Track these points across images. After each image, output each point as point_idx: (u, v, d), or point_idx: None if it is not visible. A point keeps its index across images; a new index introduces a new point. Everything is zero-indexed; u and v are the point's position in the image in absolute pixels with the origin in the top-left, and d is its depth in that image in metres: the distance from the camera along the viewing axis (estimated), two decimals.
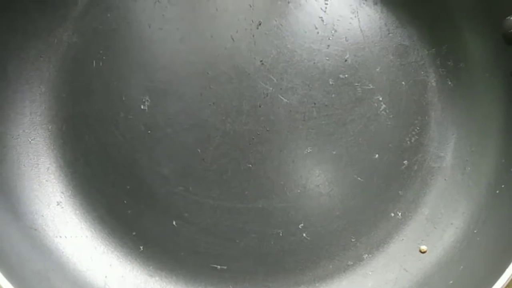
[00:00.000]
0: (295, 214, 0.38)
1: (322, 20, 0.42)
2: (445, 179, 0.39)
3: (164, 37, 0.41)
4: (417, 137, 0.41)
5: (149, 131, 0.39)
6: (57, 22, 0.41)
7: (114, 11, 0.42)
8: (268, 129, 0.40)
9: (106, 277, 0.37)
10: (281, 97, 0.40)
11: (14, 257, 0.32)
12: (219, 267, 0.38)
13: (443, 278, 0.36)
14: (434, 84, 0.42)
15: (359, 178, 0.39)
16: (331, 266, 0.38)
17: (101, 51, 0.41)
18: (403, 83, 0.42)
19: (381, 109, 0.41)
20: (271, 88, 0.40)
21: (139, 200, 0.38)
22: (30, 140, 0.38)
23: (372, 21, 0.43)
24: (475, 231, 0.36)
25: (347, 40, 0.42)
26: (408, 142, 0.40)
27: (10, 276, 0.29)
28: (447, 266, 0.36)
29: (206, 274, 0.38)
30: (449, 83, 0.41)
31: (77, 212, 0.37)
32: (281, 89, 0.40)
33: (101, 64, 0.40)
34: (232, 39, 0.40)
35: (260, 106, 0.40)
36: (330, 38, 0.42)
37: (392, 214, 0.39)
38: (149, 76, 0.40)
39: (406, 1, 0.43)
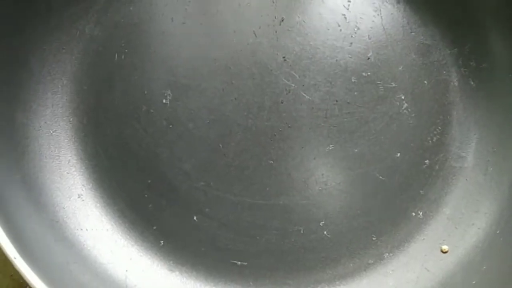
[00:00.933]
0: (316, 211, 0.38)
1: (345, 18, 0.42)
2: (466, 179, 0.39)
3: (187, 32, 0.41)
4: (438, 137, 0.40)
5: (171, 126, 0.39)
6: (80, 14, 0.40)
7: (136, 4, 0.41)
8: (289, 125, 0.39)
9: (126, 270, 0.36)
10: (303, 94, 0.40)
11: (38, 250, 0.32)
12: (239, 263, 0.38)
13: (465, 278, 0.36)
14: (456, 83, 0.42)
15: (380, 177, 0.39)
16: (351, 265, 0.38)
17: (123, 44, 0.41)
18: (425, 82, 0.41)
19: (403, 108, 0.41)
20: (293, 85, 0.40)
21: (160, 194, 0.38)
22: (51, 132, 0.38)
23: (394, 20, 0.42)
24: (497, 232, 0.36)
25: (369, 38, 0.42)
26: (430, 141, 0.40)
27: (35, 268, 0.29)
28: (469, 266, 0.36)
29: (226, 269, 0.37)
30: (471, 83, 0.41)
31: (98, 205, 0.37)
32: (303, 85, 0.40)
33: (123, 57, 0.40)
34: (255, 34, 0.40)
35: (282, 103, 0.40)
36: (353, 36, 0.42)
37: (413, 214, 0.39)
38: (171, 71, 0.40)
39: (429, 0, 0.42)
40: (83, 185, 0.37)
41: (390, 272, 0.38)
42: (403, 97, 0.41)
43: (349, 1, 0.43)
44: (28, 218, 0.34)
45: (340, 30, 0.42)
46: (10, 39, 0.37)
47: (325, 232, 0.38)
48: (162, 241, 0.37)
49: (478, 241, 0.37)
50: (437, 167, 0.40)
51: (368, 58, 0.41)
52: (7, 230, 0.30)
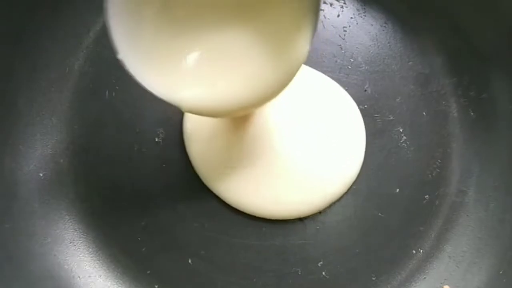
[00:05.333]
0: (314, 251, 0.37)
1: (341, 48, 0.41)
2: (467, 215, 0.38)
3: None
4: (438, 171, 0.39)
5: (164, 165, 0.38)
6: (69, 51, 0.40)
7: None
8: None
9: None
10: None
11: None
12: None
13: None
14: (455, 114, 0.41)
15: (379, 214, 0.38)
16: None
17: (113, 81, 0.40)
18: (424, 113, 0.41)
19: (401, 141, 0.40)
20: None
21: (154, 237, 0.37)
22: (41, 175, 0.37)
23: (392, 49, 0.42)
24: (500, 272, 0.35)
25: (366, 69, 0.41)
26: (430, 175, 0.39)
27: None
28: None
29: None
30: (471, 114, 0.40)
31: (90, 250, 0.36)
32: None
33: (113, 94, 0.39)
34: None
35: None
36: (349, 67, 0.41)
37: (414, 251, 0.38)
38: (163, 107, 0.39)
39: (427, 28, 0.41)
40: (74, 229, 0.37)
41: None
42: (401, 130, 0.40)
43: (345, 31, 0.42)
44: (18, 269, 0.33)
45: (336, 61, 0.41)
46: None
47: (323, 273, 0.37)
48: (156, 286, 0.36)
49: (480, 281, 0.36)
50: (437, 202, 0.39)
51: (365, 90, 0.40)
52: None
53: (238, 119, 0.38)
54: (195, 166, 0.37)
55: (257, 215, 0.37)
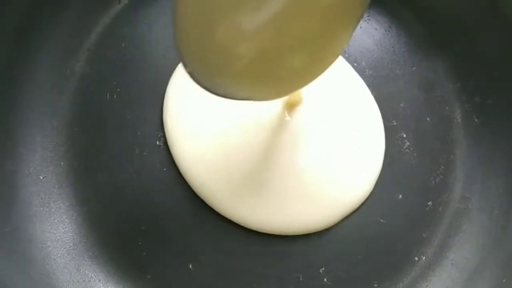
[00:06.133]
0: (316, 257, 0.37)
1: (345, 52, 0.41)
2: (470, 222, 0.38)
3: None
4: (442, 177, 0.39)
5: (164, 169, 0.38)
6: (70, 52, 0.39)
7: (128, 41, 0.40)
8: None
9: None
10: None
11: None
12: None
13: None
14: (459, 120, 0.40)
15: (382, 220, 0.38)
16: None
17: (115, 83, 0.39)
18: (428, 119, 0.40)
19: (404, 147, 0.39)
20: None
21: (154, 241, 0.36)
22: (41, 178, 0.37)
23: (396, 53, 0.41)
24: (503, 281, 0.35)
25: (370, 73, 0.41)
26: (433, 181, 0.39)
27: None
28: None
29: None
30: (476, 119, 0.40)
31: (90, 254, 0.36)
32: None
33: (115, 96, 0.39)
34: None
35: None
36: None
37: (416, 258, 0.37)
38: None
39: (432, 33, 0.41)
40: (74, 233, 0.36)
41: None
42: (404, 136, 0.40)
43: None
44: (17, 273, 0.32)
45: None
46: None
47: (325, 279, 0.36)
48: None
49: None
50: (440, 208, 0.38)
51: None
52: None
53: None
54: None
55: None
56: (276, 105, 0.38)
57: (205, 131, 0.38)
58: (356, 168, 0.37)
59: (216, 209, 0.36)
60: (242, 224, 0.36)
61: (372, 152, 0.38)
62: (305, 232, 0.36)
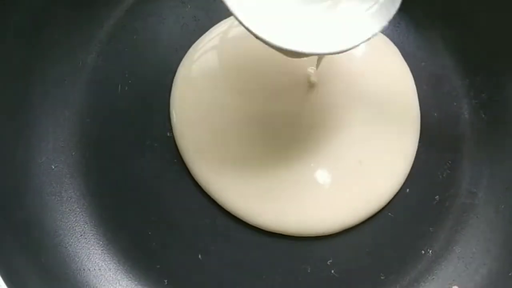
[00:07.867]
0: (324, 249, 0.37)
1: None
2: (477, 217, 0.38)
3: None
4: (449, 172, 0.39)
5: (175, 160, 0.38)
6: (82, 44, 0.40)
7: (140, 34, 0.41)
8: None
9: None
10: None
11: None
12: None
13: None
14: (467, 116, 0.41)
15: (389, 214, 0.38)
16: None
17: (126, 75, 0.40)
18: (435, 114, 0.41)
19: None
20: None
21: (164, 232, 0.37)
22: (53, 167, 0.37)
23: (404, 49, 0.42)
24: (510, 274, 0.35)
25: None
26: (440, 176, 0.39)
27: None
28: None
29: None
30: (483, 116, 0.40)
31: (101, 243, 0.36)
32: None
33: (126, 88, 0.39)
34: None
35: None
36: None
37: (423, 252, 0.38)
38: None
39: (440, 29, 0.41)
40: (85, 222, 0.37)
41: None
42: None
43: None
44: (29, 261, 0.33)
45: None
46: (11, 74, 0.36)
47: (332, 271, 0.37)
48: (166, 280, 0.36)
49: (490, 283, 0.36)
50: (447, 203, 0.39)
51: None
52: (6, 275, 0.29)
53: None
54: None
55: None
56: (289, 97, 0.38)
57: (213, 123, 0.38)
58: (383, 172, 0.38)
59: (224, 207, 0.37)
60: (251, 223, 0.37)
61: (403, 161, 0.38)
62: (321, 234, 0.37)
